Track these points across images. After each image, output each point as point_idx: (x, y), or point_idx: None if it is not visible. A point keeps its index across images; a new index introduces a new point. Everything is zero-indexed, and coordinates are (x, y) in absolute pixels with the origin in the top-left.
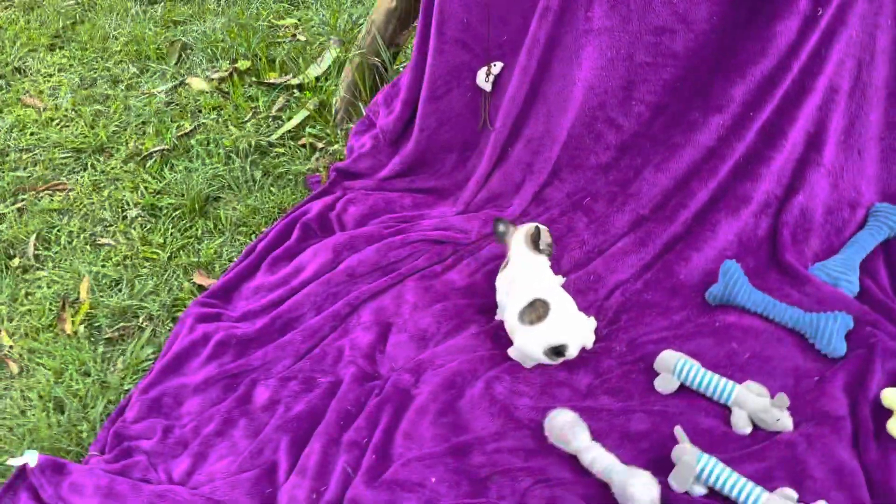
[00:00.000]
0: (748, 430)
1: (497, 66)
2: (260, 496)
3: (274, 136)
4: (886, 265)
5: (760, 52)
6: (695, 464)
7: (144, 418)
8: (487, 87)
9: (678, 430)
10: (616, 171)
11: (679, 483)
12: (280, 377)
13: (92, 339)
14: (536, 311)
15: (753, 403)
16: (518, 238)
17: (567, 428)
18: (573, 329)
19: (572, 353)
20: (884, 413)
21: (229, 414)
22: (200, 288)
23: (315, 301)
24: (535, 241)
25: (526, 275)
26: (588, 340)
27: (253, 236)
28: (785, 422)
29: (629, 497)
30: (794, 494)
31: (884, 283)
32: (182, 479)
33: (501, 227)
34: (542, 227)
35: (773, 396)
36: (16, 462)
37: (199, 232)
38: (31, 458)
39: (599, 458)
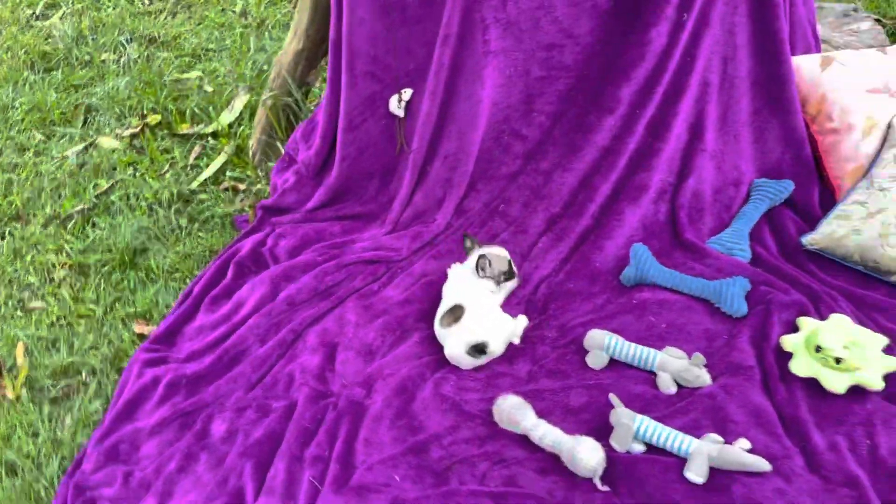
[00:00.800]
0: (673, 389)
1: (407, 93)
2: None
3: (195, 184)
4: (772, 232)
5: (640, 56)
6: (632, 424)
7: (102, 468)
8: (400, 112)
9: (613, 397)
10: (524, 176)
11: (620, 443)
12: (235, 408)
13: (35, 401)
14: (453, 314)
15: (675, 366)
16: (471, 258)
17: (514, 410)
18: (490, 327)
19: (494, 349)
20: (785, 357)
21: (189, 450)
22: (141, 336)
23: (259, 333)
24: (478, 267)
25: (452, 286)
26: (515, 336)
27: (187, 281)
28: (704, 378)
29: (578, 462)
30: (719, 438)
31: (771, 248)
32: None
33: (468, 244)
34: (499, 256)
35: (690, 357)
36: None
37: (132, 284)
38: None
39: (547, 433)
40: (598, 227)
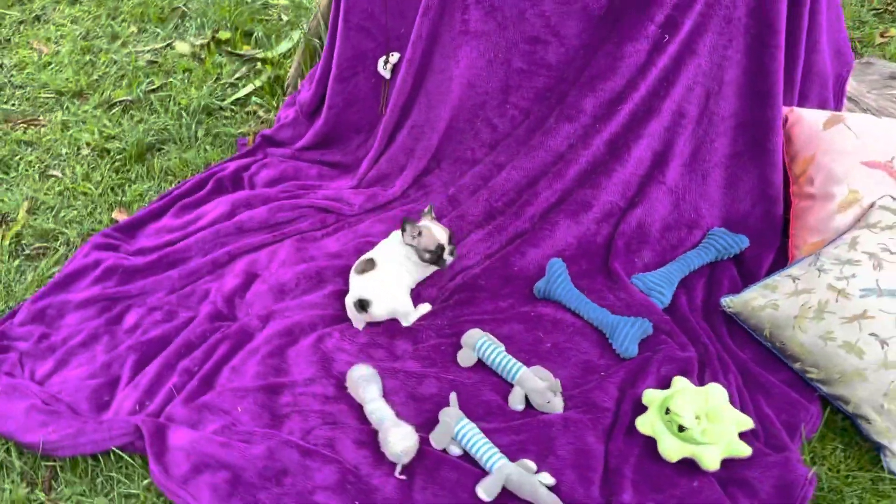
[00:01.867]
0: (520, 407)
1: (394, 57)
2: (97, 401)
3: (226, 101)
4: (707, 284)
5: (610, 69)
6: (453, 425)
7: (27, 324)
8: (386, 74)
9: (452, 396)
10: (482, 165)
11: (437, 441)
12: (149, 307)
13: (14, 253)
14: (365, 265)
15: (531, 384)
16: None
17: (360, 381)
18: (382, 292)
19: (375, 312)
20: (642, 410)
21: (97, 330)
22: (116, 223)
23: (203, 247)
24: (403, 229)
25: (385, 244)
26: (403, 317)
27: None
28: (555, 404)
29: (387, 445)
30: (532, 466)
31: (696, 300)
32: (42, 378)
33: (426, 210)
34: (432, 235)
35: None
36: None
37: (134, 176)
38: None
39: (378, 410)
40: (532, 231)
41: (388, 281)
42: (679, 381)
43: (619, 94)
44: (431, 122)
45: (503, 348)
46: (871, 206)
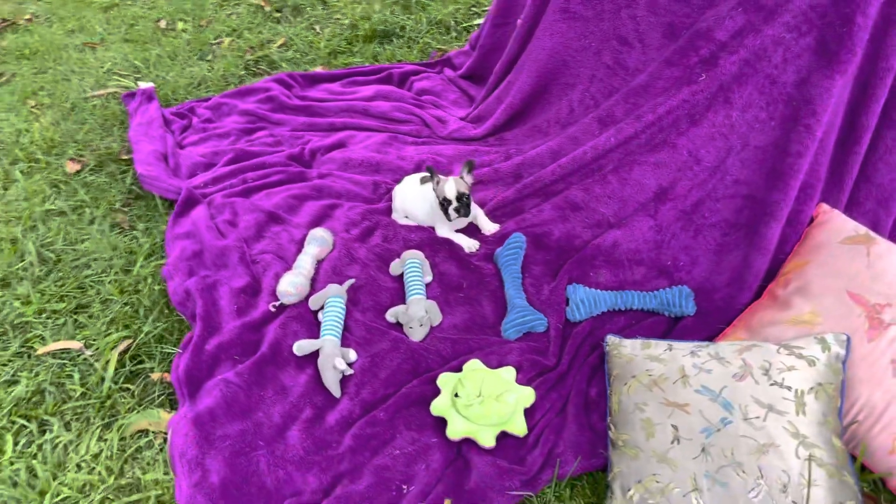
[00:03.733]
0: (392, 320)
1: None
2: (191, 171)
3: (460, 25)
4: (627, 326)
5: (645, 86)
6: (328, 297)
7: (209, 110)
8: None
9: (350, 281)
10: (543, 139)
11: (312, 301)
12: (271, 132)
13: (248, 68)
14: (425, 178)
15: (412, 309)
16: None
17: (311, 237)
18: (415, 201)
19: (401, 212)
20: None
21: (232, 132)
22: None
23: (337, 113)
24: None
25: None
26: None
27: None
28: (416, 333)
29: (280, 281)
30: (352, 357)
31: (602, 333)
32: (185, 144)
33: (466, 168)
34: (451, 187)
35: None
36: (142, 84)
37: (355, 50)
38: (148, 85)
39: (301, 260)
40: (521, 208)
41: (421, 201)
42: (505, 371)
43: (642, 112)
44: (519, 83)
45: (425, 277)
46: (814, 338)
